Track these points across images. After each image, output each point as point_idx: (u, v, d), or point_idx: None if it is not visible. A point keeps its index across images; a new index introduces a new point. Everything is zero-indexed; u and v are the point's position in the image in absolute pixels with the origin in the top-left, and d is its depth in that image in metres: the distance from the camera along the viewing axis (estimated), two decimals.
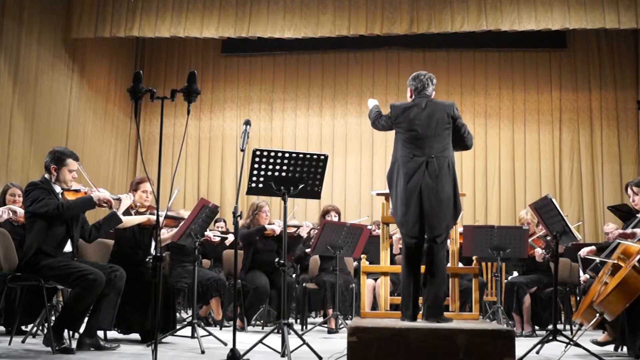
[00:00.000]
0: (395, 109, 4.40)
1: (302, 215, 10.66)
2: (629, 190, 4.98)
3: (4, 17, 8.07)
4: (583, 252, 5.45)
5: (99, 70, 10.46)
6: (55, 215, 4.44)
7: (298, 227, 6.75)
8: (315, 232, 6.60)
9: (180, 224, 5.38)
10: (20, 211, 5.33)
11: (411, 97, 4.45)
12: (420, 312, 4.28)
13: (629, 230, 4.66)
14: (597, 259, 5.29)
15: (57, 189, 4.60)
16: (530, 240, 6.38)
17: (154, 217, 5.12)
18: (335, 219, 6.76)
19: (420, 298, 4.30)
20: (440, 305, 4.19)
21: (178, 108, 11.15)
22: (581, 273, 6.93)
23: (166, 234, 5.54)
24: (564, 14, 8.54)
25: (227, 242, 7.40)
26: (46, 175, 4.62)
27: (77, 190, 4.68)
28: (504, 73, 11.16)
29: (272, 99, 11.55)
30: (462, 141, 4.37)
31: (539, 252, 6.42)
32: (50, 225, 4.49)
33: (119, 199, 4.85)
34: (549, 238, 6.24)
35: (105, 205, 4.69)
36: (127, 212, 5.07)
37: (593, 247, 5.47)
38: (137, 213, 5.25)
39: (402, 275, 4.28)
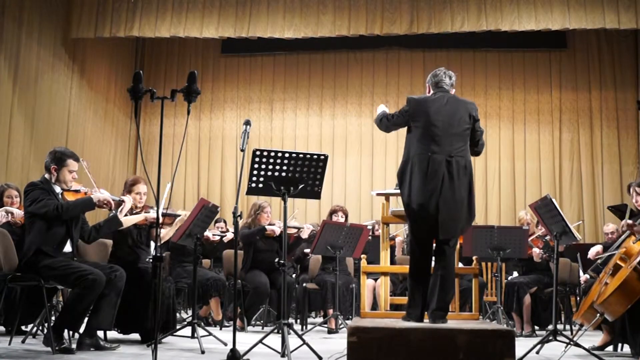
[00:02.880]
0: (414, 102, 4.19)
1: (302, 215, 10.65)
2: (632, 191, 4.96)
3: (4, 17, 8.07)
4: (591, 254, 5.44)
5: (99, 70, 10.45)
6: (55, 216, 4.44)
7: (299, 228, 6.74)
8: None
9: (178, 223, 5.37)
10: (18, 212, 5.33)
11: (429, 93, 4.31)
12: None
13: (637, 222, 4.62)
14: (599, 259, 5.29)
15: (57, 189, 4.60)
16: (528, 240, 6.38)
17: (150, 215, 5.11)
18: (342, 220, 6.76)
19: None
20: (448, 307, 4.15)
21: (178, 108, 11.15)
22: (581, 273, 6.94)
23: (163, 232, 5.52)
24: (564, 14, 8.54)
25: (226, 240, 7.39)
26: (46, 175, 4.61)
27: (77, 191, 4.67)
28: (504, 73, 11.16)
29: (272, 99, 11.56)
30: (474, 146, 4.23)
31: (536, 252, 6.42)
32: (49, 225, 4.48)
33: (122, 201, 4.84)
34: (547, 238, 6.24)
35: (105, 206, 4.69)
36: (127, 214, 5.07)
37: (599, 248, 5.45)
38: (132, 214, 5.22)
39: (412, 276, 4.16)
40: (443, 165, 4.02)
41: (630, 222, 4.65)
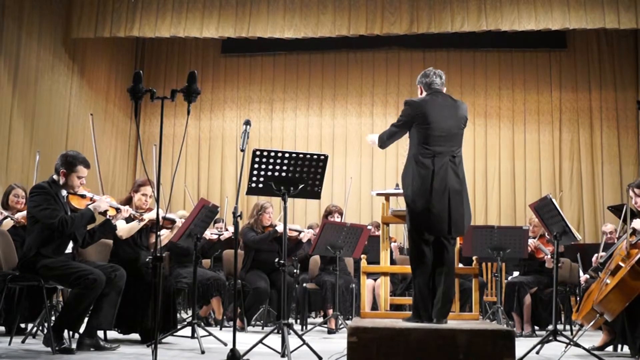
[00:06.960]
0: (415, 105, 4.18)
1: (302, 215, 10.66)
2: (630, 192, 4.94)
3: (4, 17, 8.06)
4: (594, 259, 5.43)
5: (99, 70, 10.45)
6: (59, 232, 4.43)
7: (299, 232, 6.73)
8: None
9: (180, 224, 5.37)
10: (23, 214, 5.33)
11: (421, 94, 4.33)
12: None
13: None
14: (598, 261, 5.29)
15: (63, 192, 4.58)
16: (537, 242, 6.36)
17: (152, 216, 5.10)
18: (339, 220, 6.75)
19: None
20: (450, 306, 4.15)
21: (178, 108, 11.15)
22: (581, 273, 6.94)
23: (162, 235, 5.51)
24: (564, 14, 8.54)
25: (223, 238, 7.37)
26: (54, 177, 4.59)
27: (82, 196, 4.65)
28: (504, 73, 11.16)
29: (272, 99, 11.55)
30: None
31: (549, 258, 6.34)
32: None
33: (119, 210, 4.81)
34: (547, 236, 6.23)
35: (108, 213, 4.68)
36: (129, 219, 5.07)
37: (603, 253, 5.42)
38: (135, 217, 5.18)
39: (419, 276, 4.13)
40: (448, 164, 4.07)
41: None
